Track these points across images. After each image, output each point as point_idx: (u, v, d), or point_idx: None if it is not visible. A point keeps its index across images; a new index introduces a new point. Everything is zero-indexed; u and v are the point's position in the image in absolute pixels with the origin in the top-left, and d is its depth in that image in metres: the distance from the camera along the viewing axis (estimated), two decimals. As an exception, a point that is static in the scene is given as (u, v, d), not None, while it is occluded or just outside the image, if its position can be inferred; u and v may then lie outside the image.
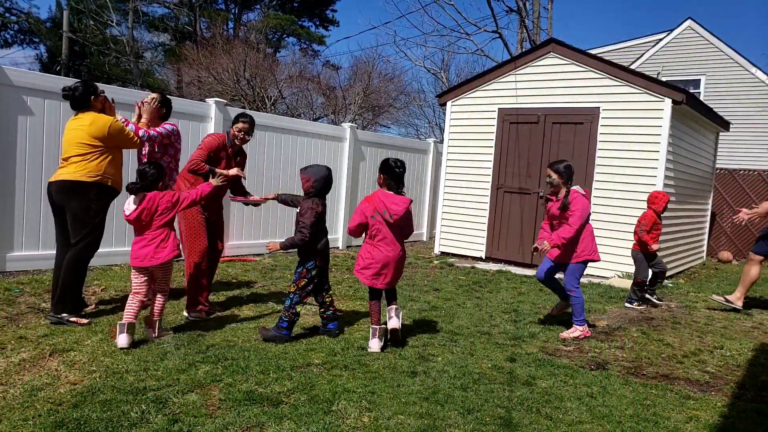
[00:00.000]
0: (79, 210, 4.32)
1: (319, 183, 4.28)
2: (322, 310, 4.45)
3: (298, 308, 4.26)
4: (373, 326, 4.18)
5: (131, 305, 3.96)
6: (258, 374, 3.49)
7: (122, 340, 3.81)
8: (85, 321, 4.31)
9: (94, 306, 4.85)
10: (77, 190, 4.30)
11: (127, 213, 3.99)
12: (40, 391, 3.07)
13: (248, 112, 7.94)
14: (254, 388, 3.27)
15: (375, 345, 4.12)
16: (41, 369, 3.40)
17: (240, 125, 4.87)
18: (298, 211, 4.31)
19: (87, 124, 4.29)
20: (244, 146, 5.09)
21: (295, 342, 4.21)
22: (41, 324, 4.23)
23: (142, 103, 4.79)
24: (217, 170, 4.65)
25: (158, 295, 4.12)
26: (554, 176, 4.87)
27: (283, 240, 4.19)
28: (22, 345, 3.77)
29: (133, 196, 4.00)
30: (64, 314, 4.27)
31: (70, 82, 6.25)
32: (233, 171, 4.74)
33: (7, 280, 5.48)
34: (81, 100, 4.38)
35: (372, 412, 3.05)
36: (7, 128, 5.69)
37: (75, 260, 4.33)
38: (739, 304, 6.20)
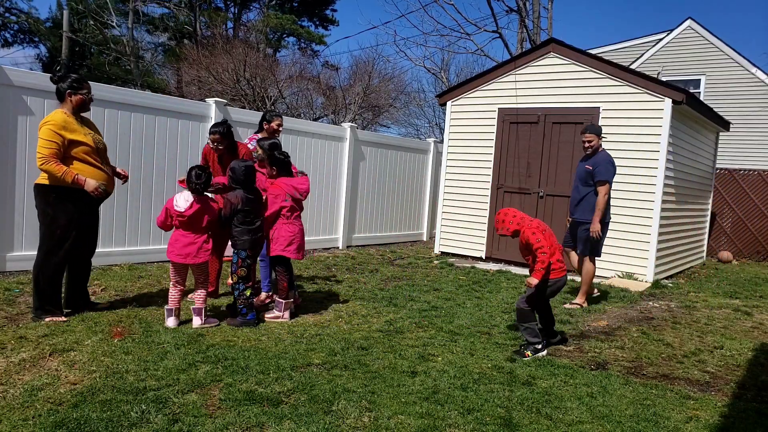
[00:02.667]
0: (38, 214, 4.32)
1: (233, 175, 4.58)
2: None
3: (248, 292, 4.58)
4: (282, 300, 4.79)
5: (173, 293, 4.42)
6: (258, 374, 3.49)
7: (171, 322, 4.35)
8: (62, 319, 4.35)
9: (107, 303, 4.88)
10: (37, 193, 4.30)
11: (182, 209, 4.32)
12: (40, 391, 3.07)
13: (240, 108, 7.94)
14: (254, 388, 3.27)
15: (287, 316, 4.79)
16: (41, 369, 3.40)
17: (210, 136, 5.33)
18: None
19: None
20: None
21: (295, 342, 4.21)
22: (41, 324, 4.23)
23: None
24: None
25: (199, 290, 4.51)
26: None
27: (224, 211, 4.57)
28: (22, 345, 3.77)
29: (185, 192, 4.38)
30: (40, 313, 4.32)
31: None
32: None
33: (7, 280, 5.48)
34: (57, 92, 4.32)
35: (372, 412, 3.05)
36: (7, 128, 5.69)
37: (35, 266, 4.33)
38: None
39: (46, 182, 4.25)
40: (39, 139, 4.13)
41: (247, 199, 4.53)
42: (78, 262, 4.59)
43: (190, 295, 4.91)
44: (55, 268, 4.35)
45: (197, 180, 4.38)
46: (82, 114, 4.46)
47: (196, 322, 4.42)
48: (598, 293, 6.62)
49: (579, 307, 6.07)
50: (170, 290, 4.44)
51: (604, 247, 7.43)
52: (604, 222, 6.08)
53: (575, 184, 6.25)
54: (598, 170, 5.97)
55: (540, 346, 4.26)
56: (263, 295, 5.35)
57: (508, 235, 4.40)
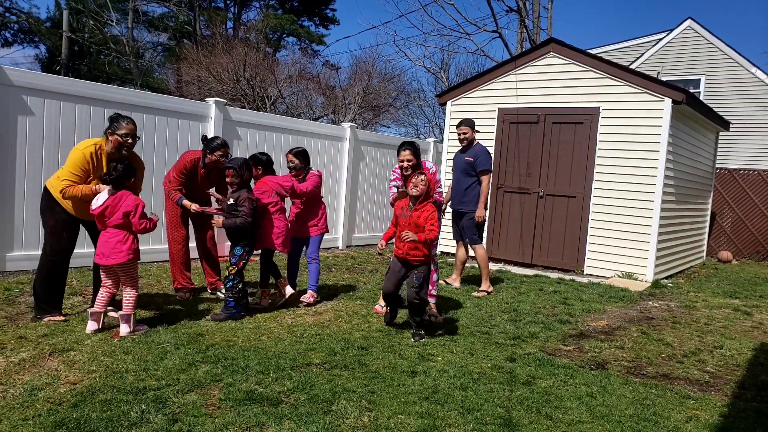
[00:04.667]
0: (43, 215, 4.42)
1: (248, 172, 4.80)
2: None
3: (239, 285, 4.71)
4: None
5: (100, 296, 4.20)
6: (258, 374, 3.49)
7: (90, 326, 4.12)
8: (60, 318, 4.36)
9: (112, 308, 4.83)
10: (46, 197, 4.38)
11: (93, 207, 4.10)
12: (40, 391, 3.07)
13: (240, 108, 7.93)
14: (254, 388, 3.27)
15: (266, 304, 5.18)
16: (41, 369, 3.40)
17: (218, 154, 5.18)
18: (233, 201, 4.70)
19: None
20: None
21: (295, 342, 4.21)
22: (41, 324, 4.23)
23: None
24: (185, 203, 5.08)
25: (127, 288, 4.19)
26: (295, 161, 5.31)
27: (227, 220, 4.67)
28: (22, 345, 3.77)
29: (105, 191, 4.09)
30: (38, 315, 4.35)
31: (70, 81, 6.27)
32: (194, 207, 5.05)
33: (7, 280, 5.48)
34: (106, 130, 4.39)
35: (372, 411, 3.05)
36: (7, 128, 5.69)
37: (38, 266, 4.40)
38: None
39: (49, 186, 4.33)
40: (67, 160, 4.26)
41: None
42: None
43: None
44: (52, 269, 4.36)
45: (111, 173, 4.16)
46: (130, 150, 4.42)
47: (124, 329, 4.08)
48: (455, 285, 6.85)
49: (486, 294, 6.35)
50: (99, 292, 4.21)
51: (603, 247, 7.47)
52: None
53: (456, 176, 6.54)
54: (479, 161, 6.31)
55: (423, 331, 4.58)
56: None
57: (417, 194, 4.39)
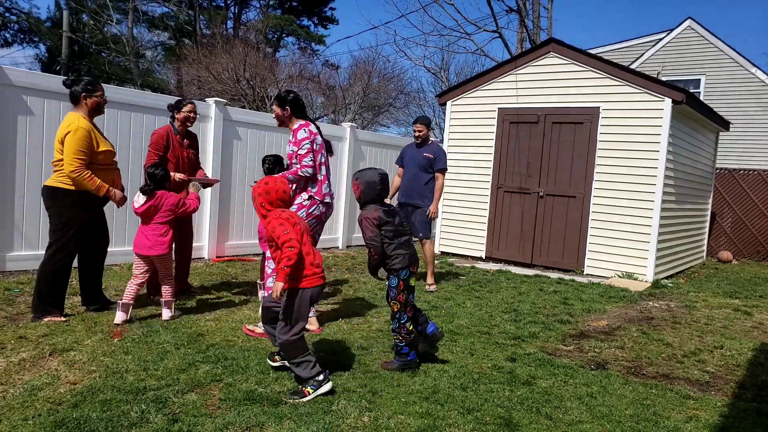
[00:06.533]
0: (51, 215, 4.38)
1: (366, 188, 3.78)
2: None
3: (409, 326, 3.75)
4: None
5: (129, 287, 4.49)
6: (258, 374, 3.49)
7: (119, 317, 4.36)
8: (61, 319, 4.35)
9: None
10: (52, 196, 4.34)
11: (136, 206, 4.53)
12: (40, 391, 3.07)
13: (240, 108, 7.95)
14: (254, 388, 3.27)
15: None
16: (41, 369, 3.40)
17: (189, 107, 5.19)
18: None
19: (60, 126, 4.30)
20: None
21: (295, 342, 4.20)
22: (41, 324, 4.23)
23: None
24: (176, 176, 5.04)
25: (163, 286, 4.63)
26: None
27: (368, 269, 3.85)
28: (22, 345, 3.77)
29: (140, 194, 4.56)
30: (39, 313, 4.32)
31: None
32: (178, 176, 5.06)
33: (7, 280, 5.48)
34: (71, 95, 4.36)
35: (372, 411, 3.05)
36: (7, 128, 5.69)
37: (42, 265, 4.37)
38: None
39: (56, 185, 4.29)
40: (67, 145, 4.17)
41: (384, 212, 3.75)
42: (89, 262, 4.64)
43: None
44: (60, 269, 4.36)
45: (150, 179, 4.61)
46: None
47: (166, 314, 4.56)
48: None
49: (435, 289, 6.49)
50: (128, 284, 4.52)
51: (603, 247, 7.42)
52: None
53: (413, 171, 6.61)
54: (439, 158, 6.53)
55: (322, 377, 3.22)
56: None
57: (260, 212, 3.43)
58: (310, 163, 4.39)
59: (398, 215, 3.84)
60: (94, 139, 4.30)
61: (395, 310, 3.73)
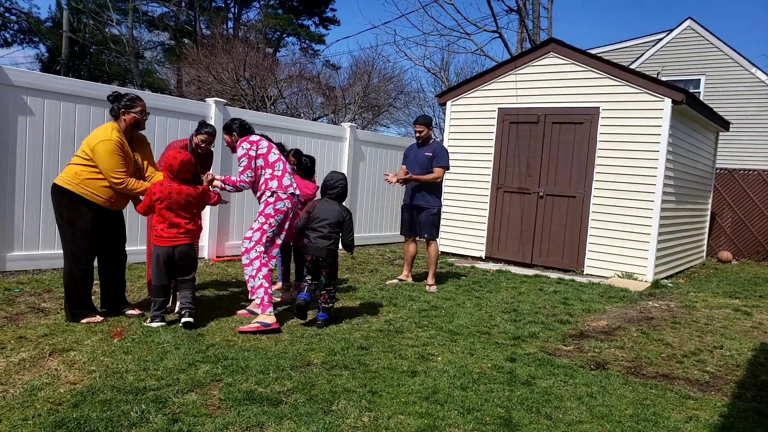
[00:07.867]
0: (56, 217, 4.39)
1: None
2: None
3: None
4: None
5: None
6: (258, 374, 3.49)
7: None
8: (98, 319, 4.38)
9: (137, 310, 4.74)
10: (54, 193, 4.34)
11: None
12: (40, 391, 3.07)
13: (240, 108, 7.93)
14: (254, 388, 3.27)
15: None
16: (41, 369, 3.40)
17: (202, 137, 5.02)
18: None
19: (94, 132, 4.35)
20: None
21: (294, 342, 4.21)
22: (41, 324, 4.23)
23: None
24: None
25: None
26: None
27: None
28: (22, 345, 3.77)
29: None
30: (74, 317, 4.34)
31: (69, 81, 6.27)
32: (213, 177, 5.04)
33: (7, 280, 5.48)
34: (111, 110, 4.43)
35: (372, 412, 3.05)
36: (7, 128, 5.69)
37: (63, 276, 4.41)
38: None
39: (63, 184, 4.28)
40: (101, 161, 4.22)
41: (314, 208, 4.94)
42: (106, 265, 4.62)
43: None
44: (74, 279, 4.33)
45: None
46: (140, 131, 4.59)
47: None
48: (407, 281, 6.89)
49: (436, 289, 6.44)
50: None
51: (603, 247, 7.39)
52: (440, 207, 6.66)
53: (416, 172, 6.57)
54: (438, 156, 6.50)
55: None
56: (279, 284, 5.79)
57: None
58: (246, 179, 4.71)
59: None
60: (124, 148, 4.33)
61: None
